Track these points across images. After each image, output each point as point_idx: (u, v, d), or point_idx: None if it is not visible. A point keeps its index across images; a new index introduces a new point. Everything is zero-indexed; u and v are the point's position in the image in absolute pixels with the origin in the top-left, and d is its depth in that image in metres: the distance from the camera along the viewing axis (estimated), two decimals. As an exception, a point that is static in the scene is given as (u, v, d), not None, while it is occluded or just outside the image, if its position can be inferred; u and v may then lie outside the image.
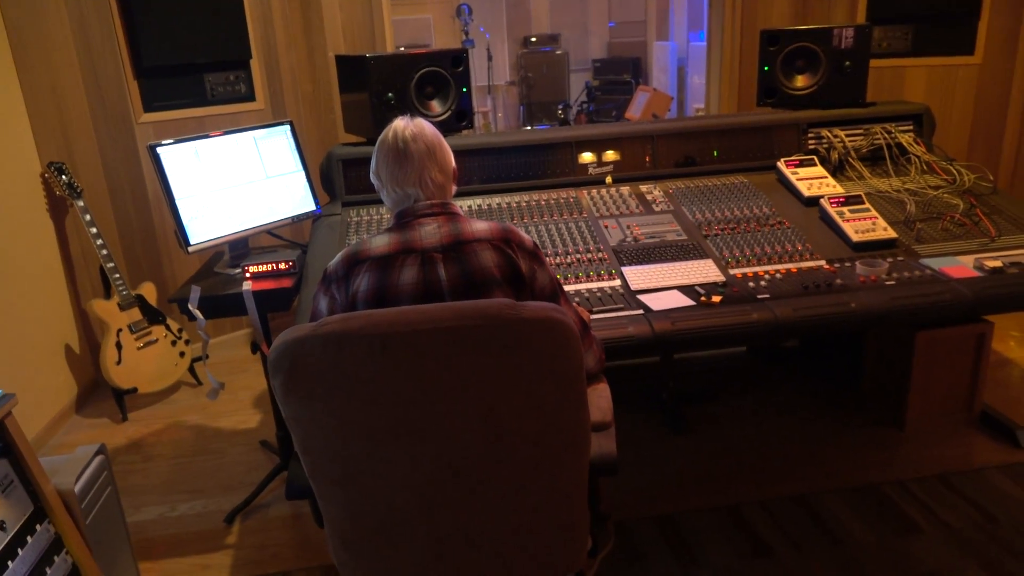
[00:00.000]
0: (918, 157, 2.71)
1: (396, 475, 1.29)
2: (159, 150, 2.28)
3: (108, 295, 3.17)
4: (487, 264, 1.44)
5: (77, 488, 1.79)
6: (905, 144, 2.75)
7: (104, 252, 3.10)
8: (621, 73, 8.76)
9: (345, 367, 1.18)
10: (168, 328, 3.32)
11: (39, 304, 3.14)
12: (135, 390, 3.19)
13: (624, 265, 2.23)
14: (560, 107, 7.61)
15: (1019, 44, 3.86)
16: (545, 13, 9.15)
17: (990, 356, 2.70)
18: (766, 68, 2.92)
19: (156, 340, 3.26)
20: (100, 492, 1.91)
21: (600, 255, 2.29)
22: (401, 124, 1.54)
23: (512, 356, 1.18)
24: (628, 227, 2.44)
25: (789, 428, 2.80)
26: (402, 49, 3.82)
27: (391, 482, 1.30)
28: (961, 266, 2.14)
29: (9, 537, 1.58)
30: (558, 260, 2.28)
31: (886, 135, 2.77)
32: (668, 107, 7.43)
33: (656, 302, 2.02)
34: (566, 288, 2.11)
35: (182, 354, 3.37)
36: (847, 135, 2.79)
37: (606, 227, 2.44)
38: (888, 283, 2.08)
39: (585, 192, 2.66)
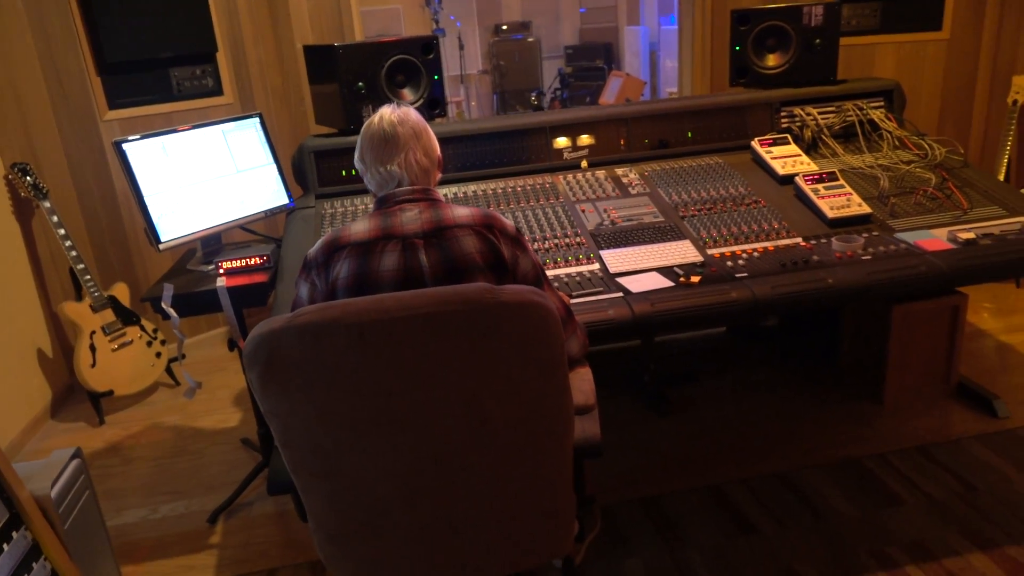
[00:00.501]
0: (890, 133, 2.73)
1: (378, 465, 1.27)
2: (125, 146, 2.23)
3: (79, 297, 3.11)
4: (469, 250, 1.42)
5: (53, 493, 1.76)
6: (877, 120, 2.77)
7: (73, 253, 3.03)
8: (593, 59, 8.76)
9: (323, 358, 1.16)
10: (143, 329, 3.26)
11: (8, 308, 3.07)
12: (111, 393, 3.13)
13: (602, 248, 2.23)
14: (534, 94, 7.59)
15: (985, 19, 3.90)
16: (516, 0, 9.10)
17: (965, 328, 2.74)
18: (737, 48, 2.92)
19: (131, 341, 3.20)
20: (77, 496, 1.87)
21: (578, 239, 2.28)
22: (387, 110, 1.56)
23: (492, 341, 1.17)
24: (605, 211, 2.43)
25: (769, 406, 2.82)
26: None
27: (373, 472, 1.28)
28: (935, 239, 2.16)
29: (-16, 545, 1.54)
30: (536, 245, 2.26)
31: (858, 112, 2.78)
32: (641, 92, 7.43)
33: (635, 284, 2.02)
34: (545, 273, 2.10)
35: (158, 355, 3.32)
36: (819, 113, 2.80)
37: (583, 211, 2.44)
38: (864, 258, 2.09)
39: (561, 177, 2.65)
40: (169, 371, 3.43)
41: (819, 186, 2.42)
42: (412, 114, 1.57)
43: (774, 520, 2.21)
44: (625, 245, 2.24)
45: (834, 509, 2.23)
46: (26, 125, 3.16)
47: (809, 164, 2.59)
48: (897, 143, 2.71)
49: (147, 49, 3.28)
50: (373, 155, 1.54)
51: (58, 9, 3.12)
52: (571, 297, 1.96)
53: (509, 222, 1.54)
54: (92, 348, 3.07)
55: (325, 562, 1.42)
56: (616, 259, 2.16)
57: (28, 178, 3.01)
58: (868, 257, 2.10)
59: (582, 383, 1.55)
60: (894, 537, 2.09)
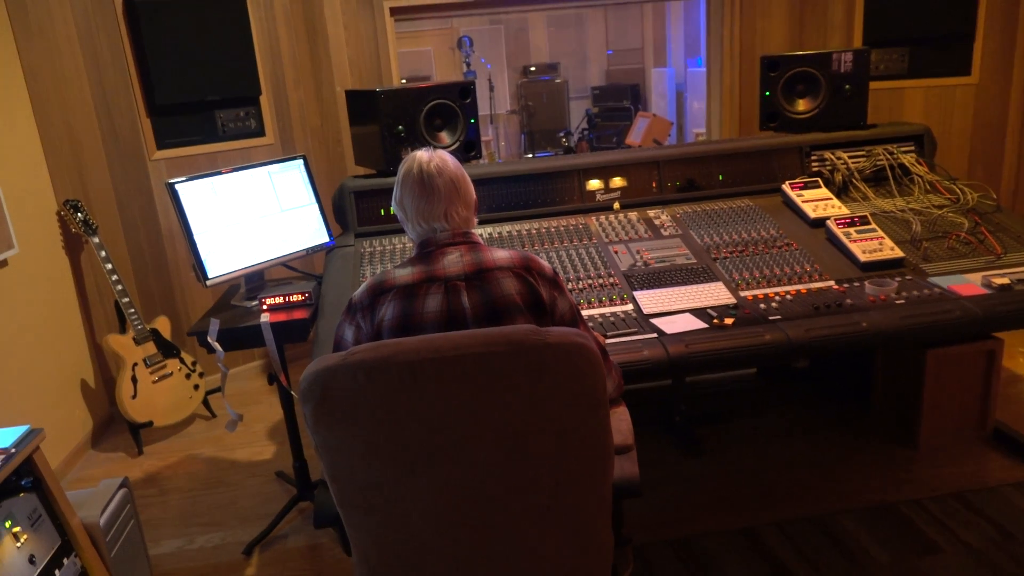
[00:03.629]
0: (921, 177, 2.76)
1: (422, 500, 1.31)
2: (177, 187, 2.33)
3: (123, 330, 3.20)
4: (509, 291, 1.47)
5: (102, 521, 1.81)
6: (907, 164, 2.80)
7: (119, 287, 3.14)
8: (620, 100, 8.88)
9: (374, 395, 1.21)
10: (182, 361, 3.35)
11: (56, 340, 3.18)
12: (151, 423, 3.21)
13: (636, 289, 2.26)
14: (563, 135, 7.71)
15: (1015, 63, 3.93)
16: (544, 42, 9.30)
17: (1001, 373, 2.72)
18: (767, 93, 2.98)
19: (171, 373, 3.29)
20: (124, 525, 1.93)
21: (611, 280, 2.33)
22: (425, 156, 1.58)
23: (537, 381, 1.21)
24: (638, 252, 2.47)
25: (802, 449, 2.81)
26: (404, 82, 3.90)
27: (417, 507, 1.31)
28: (969, 284, 2.17)
29: (39, 571, 1.60)
30: (570, 285, 2.31)
31: (888, 156, 2.81)
32: (668, 132, 7.51)
33: (669, 325, 2.05)
34: (580, 313, 2.14)
35: (196, 387, 3.39)
36: (849, 157, 2.84)
37: (616, 252, 2.48)
38: (898, 302, 2.10)
39: (593, 218, 2.71)
40: (206, 403, 3.51)
41: (851, 229, 2.45)
42: (449, 161, 1.59)
43: (808, 565, 2.20)
44: (658, 286, 2.27)
45: (869, 555, 2.21)
46: (79, 164, 3.31)
47: (840, 208, 2.62)
48: (928, 187, 2.73)
49: (195, 92, 3.43)
50: (414, 208, 1.56)
51: (113, 54, 3.27)
52: (606, 337, 2.00)
53: (547, 264, 1.59)
54: (134, 380, 3.15)
55: (367, 596, 1.45)
56: (650, 300, 2.20)
57: (79, 214, 3.14)
58: (902, 301, 2.11)
59: (620, 423, 1.58)
60: (932, 585, 2.07)
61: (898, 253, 2.35)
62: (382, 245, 2.59)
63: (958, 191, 2.65)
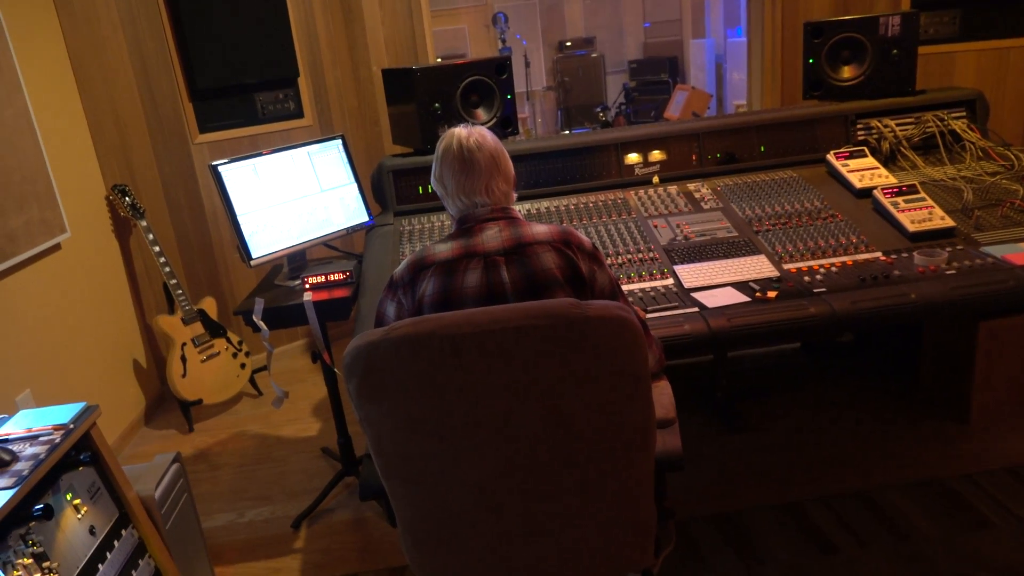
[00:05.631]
0: (973, 143, 2.66)
1: (464, 473, 1.32)
2: (220, 169, 2.37)
3: (172, 310, 3.29)
4: (548, 266, 1.47)
5: (157, 494, 1.88)
6: (959, 131, 2.70)
7: (167, 269, 3.22)
8: (658, 73, 8.73)
9: (416, 369, 1.22)
10: (229, 341, 3.42)
11: (108, 321, 3.28)
12: (200, 401, 3.30)
13: (676, 264, 2.24)
14: (600, 109, 7.62)
15: (1074, 23, 3.75)
16: (579, 17, 9.17)
17: (1057, 344, 2.63)
18: (811, 61, 2.89)
19: (218, 353, 3.37)
20: (177, 498, 1.99)
21: (651, 255, 2.30)
22: (464, 132, 1.57)
23: (578, 354, 1.21)
24: (678, 226, 2.44)
25: (847, 423, 2.76)
26: (439, 60, 3.89)
27: (459, 479, 1.33)
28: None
29: (99, 541, 1.66)
30: (609, 261, 2.29)
31: (938, 123, 2.72)
32: (707, 105, 7.38)
33: (711, 299, 2.03)
34: (619, 288, 2.13)
35: (243, 366, 3.47)
36: (897, 124, 2.75)
37: (655, 226, 2.46)
38: (948, 272, 2.05)
39: (632, 192, 2.68)
40: (252, 381, 3.59)
41: (899, 199, 2.38)
42: (488, 137, 1.59)
43: (855, 540, 2.17)
44: (699, 260, 2.25)
45: (919, 531, 2.18)
46: (125, 149, 3.38)
47: (888, 177, 2.55)
48: (981, 154, 2.64)
49: (235, 75, 3.47)
50: (455, 183, 1.56)
51: (155, 40, 3.33)
52: (646, 312, 1.99)
53: (586, 238, 1.58)
54: (183, 359, 3.24)
55: (412, 566, 1.48)
56: (690, 274, 2.18)
57: (127, 199, 3.22)
58: (952, 272, 2.05)
59: (661, 397, 1.57)
60: (984, 562, 2.03)
61: (948, 222, 2.28)
62: (421, 223, 2.60)
63: (1012, 157, 2.55)
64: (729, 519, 2.32)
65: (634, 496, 1.38)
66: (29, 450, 1.60)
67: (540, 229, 1.54)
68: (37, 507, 1.50)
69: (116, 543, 1.72)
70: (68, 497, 1.64)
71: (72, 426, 1.69)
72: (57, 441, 1.63)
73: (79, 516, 1.64)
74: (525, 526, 1.37)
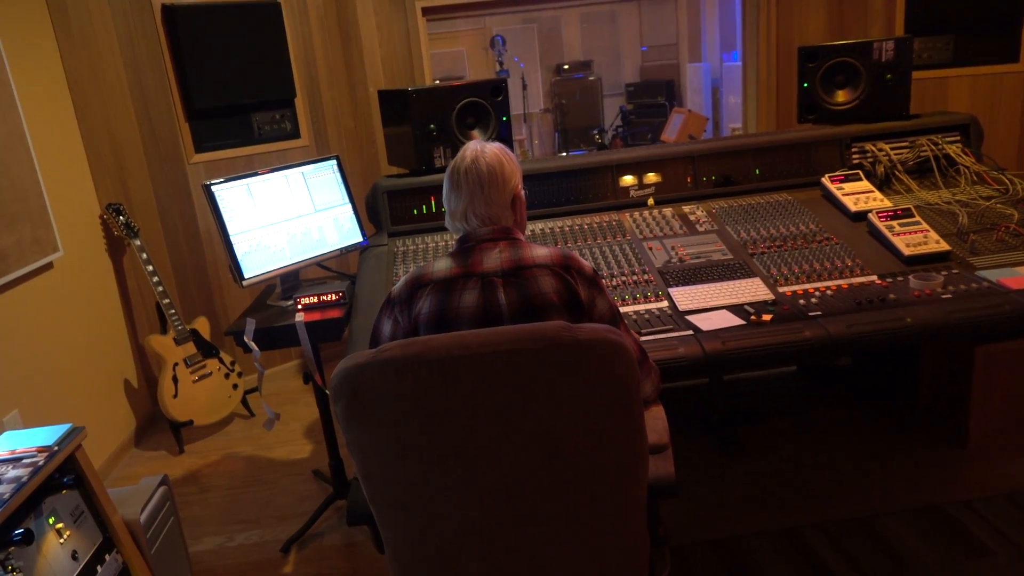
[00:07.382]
0: (967, 168, 2.67)
1: (454, 498, 1.30)
2: (214, 188, 2.36)
3: (164, 330, 3.26)
4: (546, 289, 1.46)
5: (142, 518, 1.84)
6: (953, 155, 2.71)
7: (160, 288, 3.20)
8: (655, 96, 8.79)
9: (404, 392, 1.20)
10: (221, 361, 3.40)
11: (99, 340, 3.25)
12: (191, 422, 3.26)
13: (671, 286, 2.23)
14: (596, 132, 7.66)
15: (1066, 49, 3.79)
16: (577, 40, 9.26)
17: (1054, 369, 2.61)
18: (805, 85, 2.91)
19: (210, 373, 3.34)
20: (164, 522, 1.96)
21: (646, 277, 2.29)
22: (475, 150, 1.56)
23: (568, 378, 1.19)
24: (673, 248, 2.44)
25: (844, 448, 2.73)
26: (437, 82, 3.91)
27: (449, 505, 1.31)
28: (1020, 277, 2.09)
29: (81, 567, 1.63)
30: (604, 283, 2.28)
31: (932, 147, 2.72)
32: (704, 128, 7.41)
33: (705, 322, 2.01)
34: (613, 311, 2.11)
35: (235, 386, 3.44)
36: (892, 148, 2.76)
37: (650, 249, 2.45)
38: (944, 296, 2.04)
39: (627, 214, 2.67)
40: (244, 402, 3.55)
41: (894, 223, 2.37)
42: (501, 156, 1.57)
43: (852, 567, 2.14)
44: (694, 283, 2.23)
45: (917, 558, 2.14)
46: (121, 168, 3.38)
47: (883, 200, 2.55)
48: (975, 178, 2.64)
49: (232, 95, 3.48)
50: (460, 205, 1.55)
51: (152, 60, 3.34)
52: (640, 335, 1.97)
53: (588, 263, 1.57)
54: (175, 379, 3.21)
55: (400, 594, 1.44)
56: (685, 297, 2.16)
57: (121, 218, 3.21)
58: (948, 295, 2.04)
59: (655, 422, 1.55)
60: (983, 589, 2.00)
61: (944, 246, 2.27)
62: (415, 244, 2.59)
63: (1007, 181, 2.55)
64: (726, 545, 2.28)
65: (626, 522, 1.35)
66: (11, 472, 1.57)
67: (541, 252, 1.52)
68: (17, 531, 1.47)
69: (99, 568, 1.69)
70: (51, 521, 1.60)
71: (57, 448, 1.66)
72: (41, 463, 1.60)
73: (61, 540, 1.61)
74: (516, 552, 1.34)
